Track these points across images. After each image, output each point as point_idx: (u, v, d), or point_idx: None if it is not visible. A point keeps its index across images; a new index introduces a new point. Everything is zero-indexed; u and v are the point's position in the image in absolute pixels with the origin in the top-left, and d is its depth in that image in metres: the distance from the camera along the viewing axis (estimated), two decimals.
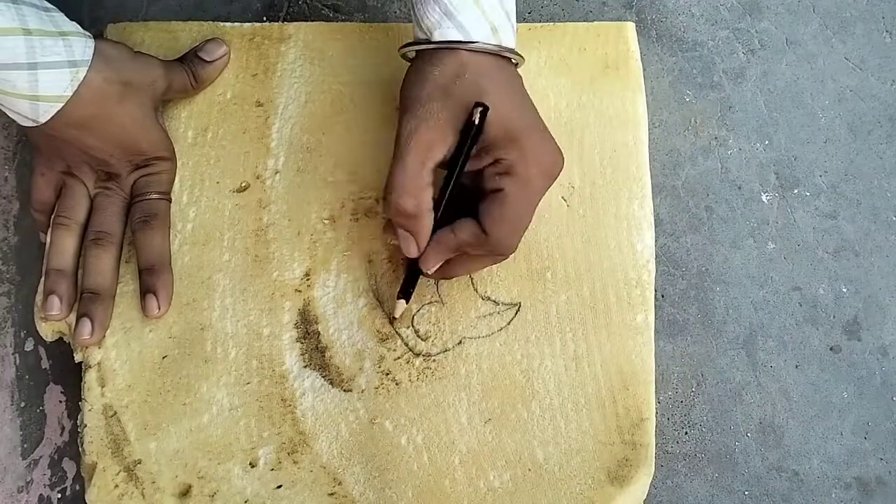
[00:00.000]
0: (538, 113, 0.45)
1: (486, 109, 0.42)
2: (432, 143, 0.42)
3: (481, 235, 0.43)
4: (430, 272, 0.45)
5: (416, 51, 0.45)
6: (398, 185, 0.42)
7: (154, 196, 0.50)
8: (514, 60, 0.46)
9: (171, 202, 0.51)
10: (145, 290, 0.49)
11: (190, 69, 0.51)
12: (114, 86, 0.46)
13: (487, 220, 0.42)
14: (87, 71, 0.44)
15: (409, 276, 0.46)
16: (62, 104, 0.44)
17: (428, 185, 0.42)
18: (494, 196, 0.43)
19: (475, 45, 0.43)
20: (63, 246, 0.49)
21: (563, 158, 0.44)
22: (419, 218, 0.43)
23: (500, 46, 0.44)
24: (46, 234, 0.50)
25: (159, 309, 0.48)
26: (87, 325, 0.47)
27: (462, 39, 0.43)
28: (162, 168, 0.50)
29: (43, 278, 0.49)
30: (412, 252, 0.44)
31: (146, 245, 0.49)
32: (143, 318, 0.49)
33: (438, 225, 0.44)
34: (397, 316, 0.48)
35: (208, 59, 0.52)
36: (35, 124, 0.45)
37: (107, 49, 0.46)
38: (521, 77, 0.46)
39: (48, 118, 0.44)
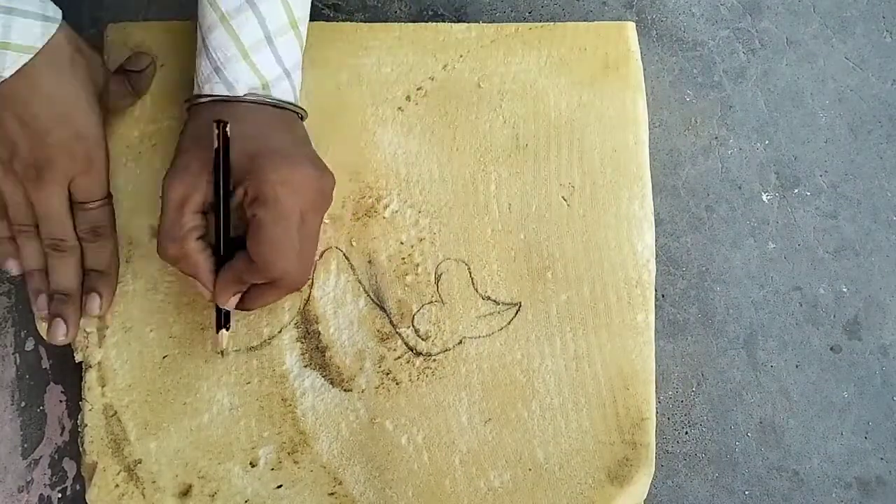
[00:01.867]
0: (301, 143, 0.46)
1: (224, 123, 0.43)
2: (188, 190, 0.44)
3: (251, 263, 0.44)
4: (226, 307, 0.46)
5: (189, 106, 0.47)
6: (161, 235, 0.44)
7: (97, 203, 0.48)
8: (297, 112, 0.48)
9: (112, 200, 0.49)
10: (90, 290, 0.48)
11: (124, 76, 0.51)
12: (74, 53, 0.46)
13: (250, 246, 0.43)
14: (57, 30, 0.44)
15: (217, 310, 0.46)
16: (31, 56, 0.43)
17: (191, 229, 0.44)
18: (251, 223, 0.43)
19: (242, 99, 0.45)
20: (27, 252, 0.48)
21: (327, 179, 0.46)
22: (188, 259, 0.44)
23: (262, 97, 0.46)
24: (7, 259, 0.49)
25: (100, 309, 0.48)
26: (61, 325, 0.48)
27: (227, 94, 0.45)
28: (95, 168, 0.48)
29: (28, 280, 0.49)
30: (205, 294, 0.45)
31: (96, 256, 0.49)
32: (143, 318, 0.49)
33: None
34: (222, 348, 0.47)
35: (137, 69, 0.51)
36: None
37: (67, 28, 0.46)
38: (293, 121, 0.48)
39: (12, 73, 0.43)
